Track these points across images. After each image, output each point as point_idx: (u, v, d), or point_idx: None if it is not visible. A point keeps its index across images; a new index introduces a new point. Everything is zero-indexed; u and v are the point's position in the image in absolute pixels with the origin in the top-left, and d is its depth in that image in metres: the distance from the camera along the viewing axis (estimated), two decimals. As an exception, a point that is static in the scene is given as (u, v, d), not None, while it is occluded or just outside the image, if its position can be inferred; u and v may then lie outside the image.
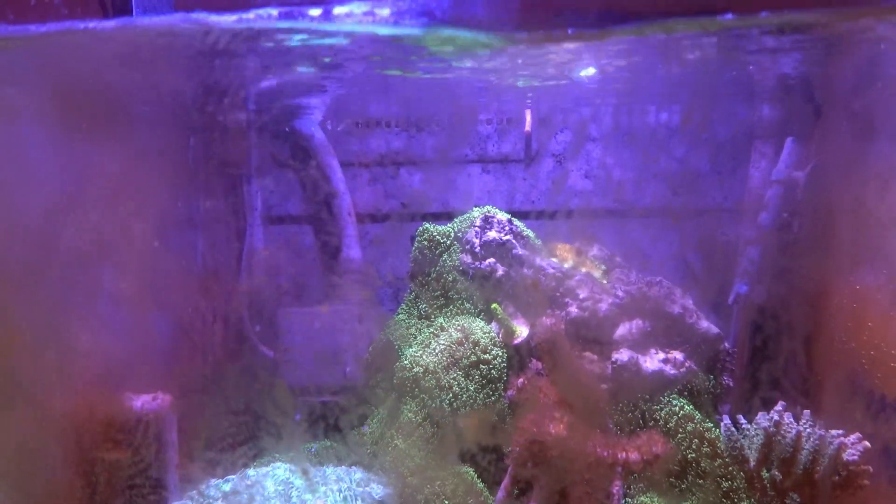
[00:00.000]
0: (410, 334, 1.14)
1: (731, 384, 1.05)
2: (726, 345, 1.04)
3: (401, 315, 1.18)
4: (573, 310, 1.04)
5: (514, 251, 1.10)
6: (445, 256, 1.14)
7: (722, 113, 1.22)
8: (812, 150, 1.07)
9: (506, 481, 0.94)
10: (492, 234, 1.10)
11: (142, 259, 0.96)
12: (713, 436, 0.95)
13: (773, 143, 1.17)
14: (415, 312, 1.17)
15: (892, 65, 0.79)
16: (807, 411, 0.86)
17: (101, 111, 0.89)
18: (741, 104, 1.17)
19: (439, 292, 1.13)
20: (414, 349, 1.06)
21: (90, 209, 0.84)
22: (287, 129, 1.30)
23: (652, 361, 1.00)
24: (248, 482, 0.93)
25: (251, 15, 0.48)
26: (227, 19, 0.50)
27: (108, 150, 0.89)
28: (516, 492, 0.94)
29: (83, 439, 0.74)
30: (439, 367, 1.00)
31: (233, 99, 1.12)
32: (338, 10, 0.50)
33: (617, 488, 0.88)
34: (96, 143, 0.83)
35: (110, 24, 0.71)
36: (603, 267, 1.14)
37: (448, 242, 1.15)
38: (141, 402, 0.87)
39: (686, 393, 1.00)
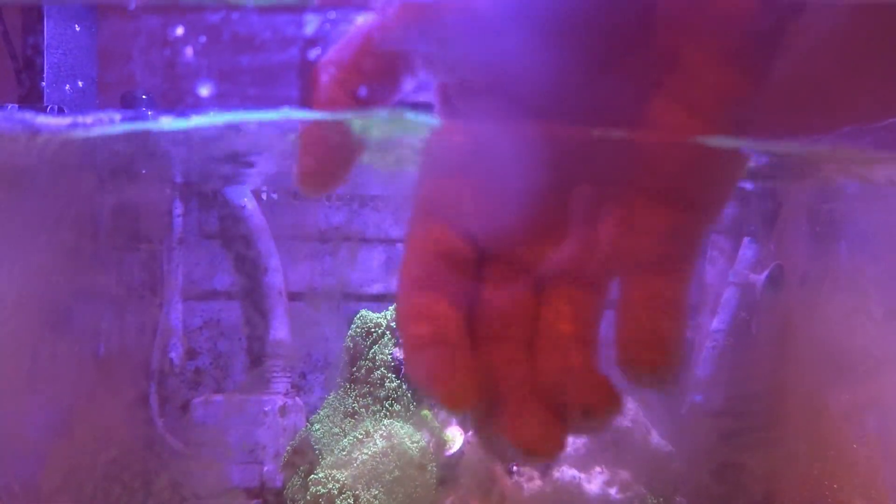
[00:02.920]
0: (334, 434, 1.03)
1: (684, 505, 0.96)
2: (678, 463, 0.95)
3: (326, 410, 1.07)
4: (512, 418, 0.94)
5: (452, 348, 1.00)
6: (376, 349, 1.05)
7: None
8: (770, 252, 1.01)
9: None
10: (428, 329, 1.01)
11: (16, 340, 0.85)
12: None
13: (731, 238, 1.11)
14: (341, 408, 1.06)
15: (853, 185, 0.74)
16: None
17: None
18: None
19: (367, 389, 1.03)
20: (333, 458, 0.95)
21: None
22: (216, 198, 1.20)
23: (596, 482, 0.90)
24: None
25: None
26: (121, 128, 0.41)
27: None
28: None
29: None
30: (359, 482, 0.89)
31: (151, 171, 1.03)
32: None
33: None
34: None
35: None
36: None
37: (380, 332, 1.06)
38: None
39: (633, 519, 0.90)
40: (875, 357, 0.71)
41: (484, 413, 0.24)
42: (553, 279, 0.25)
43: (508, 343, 0.25)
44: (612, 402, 0.23)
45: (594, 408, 0.23)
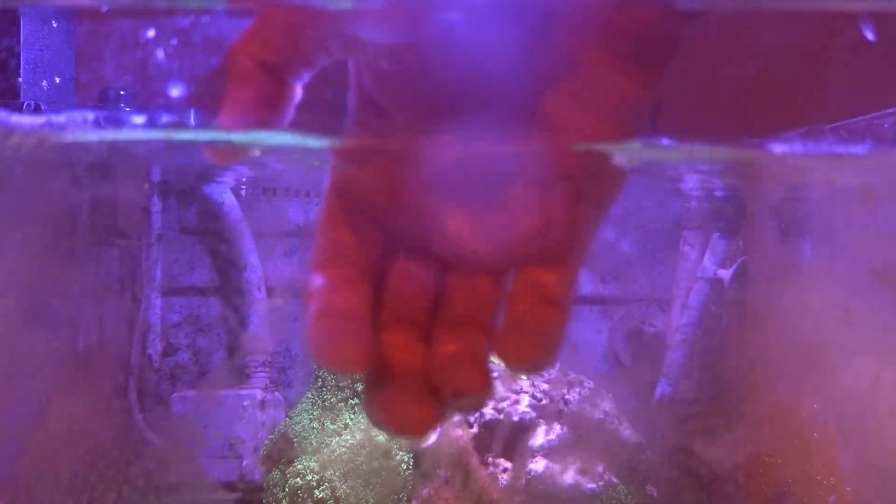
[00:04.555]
0: (312, 428, 1.04)
1: (655, 494, 0.99)
2: (649, 453, 0.98)
3: (304, 404, 1.08)
4: (488, 411, 0.96)
5: (429, 342, 1.02)
6: (355, 344, 1.06)
7: (651, 202, 1.19)
8: (739, 248, 1.04)
9: None
10: (405, 323, 1.03)
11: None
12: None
13: (703, 233, 1.14)
14: (319, 403, 1.07)
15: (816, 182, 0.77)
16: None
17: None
18: (669, 195, 1.15)
19: (346, 383, 1.05)
20: (311, 450, 0.96)
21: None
22: (195, 194, 1.21)
23: (569, 473, 0.92)
24: None
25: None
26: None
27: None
28: None
29: None
30: (336, 474, 0.91)
31: (130, 166, 1.03)
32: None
33: None
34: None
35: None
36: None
37: (359, 328, 1.07)
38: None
39: (605, 508, 0.93)
40: (833, 348, 0.74)
41: (371, 387, 0.24)
42: (455, 268, 0.26)
43: (407, 326, 0.26)
44: (480, 389, 0.24)
45: (463, 392, 0.23)
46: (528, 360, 0.24)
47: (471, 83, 0.25)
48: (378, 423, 0.24)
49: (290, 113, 0.26)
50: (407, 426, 0.23)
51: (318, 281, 0.25)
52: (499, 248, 0.25)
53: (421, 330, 0.25)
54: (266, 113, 0.26)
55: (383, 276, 0.26)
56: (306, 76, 0.25)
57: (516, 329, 0.24)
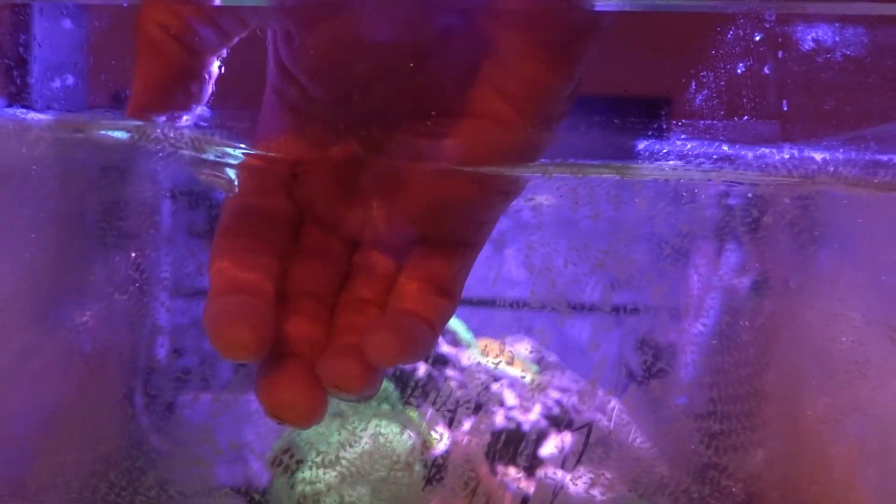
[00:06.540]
0: (320, 433, 1.03)
1: (666, 507, 0.97)
2: (662, 465, 0.96)
3: (313, 411, 1.08)
4: (498, 419, 0.95)
5: (439, 349, 1.01)
6: (364, 350, 1.05)
7: (663, 208, 1.18)
8: (754, 256, 1.03)
9: None
10: (415, 329, 1.02)
11: (5, 337, 0.84)
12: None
13: (715, 243, 1.13)
14: (328, 408, 1.06)
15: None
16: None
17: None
18: (680, 202, 1.14)
19: (355, 389, 1.04)
20: (319, 457, 0.95)
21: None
22: (205, 196, 1.20)
23: (580, 482, 0.91)
24: None
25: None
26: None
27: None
28: None
29: None
30: (344, 482, 0.90)
31: (141, 167, 1.03)
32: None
33: None
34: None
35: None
36: (534, 368, 1.06)
37: (369, 334, 1.06)
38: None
39: (616, 520, 0.91)
40: (854, 362, 0.73)
41: (263, 370, 0.25)
42: (359, 247, 0.27)
43: (310, 302, 0.26)
44: (358, 388, 0.24)
45: (342, 389, 0.25)
46: (390, 360, 0.24)
47: (384, 62, 0.24)
48: (264, 409, 0.25)
49: (208, 89, 0.25)
50: (290, 415, 0.25)
51: (223, 250, 0.26)
52: (399, 222, 0.26)
53: (325, 305, 0.26)
54: (180, 87, 0.26)
55: (291, 249, 0.27)
56: (221, 47, 0.25)
57: (383, 329, 0.25)
